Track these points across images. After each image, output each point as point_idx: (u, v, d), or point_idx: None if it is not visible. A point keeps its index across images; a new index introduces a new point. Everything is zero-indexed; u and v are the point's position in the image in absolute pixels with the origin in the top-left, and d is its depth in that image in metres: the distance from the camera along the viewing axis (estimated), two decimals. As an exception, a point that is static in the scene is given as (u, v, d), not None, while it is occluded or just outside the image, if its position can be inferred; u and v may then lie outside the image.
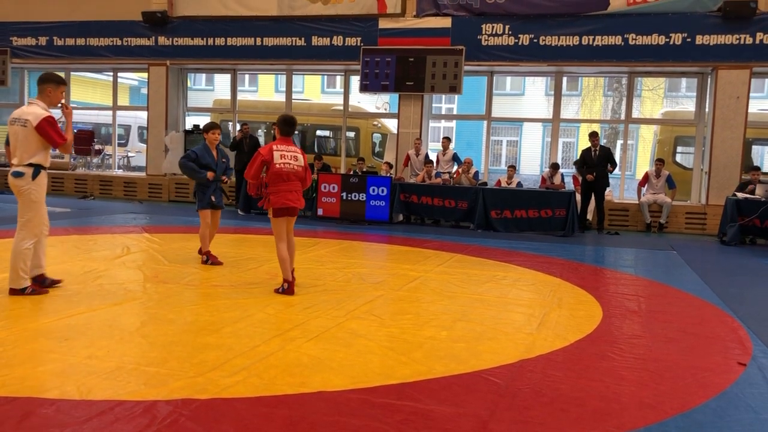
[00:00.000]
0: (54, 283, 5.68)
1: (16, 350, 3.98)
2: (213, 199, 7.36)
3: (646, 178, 13.06)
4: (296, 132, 17.05)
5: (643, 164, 22.88)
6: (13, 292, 5.34)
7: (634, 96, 15.74)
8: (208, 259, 7.26)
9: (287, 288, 5.92)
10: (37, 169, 5.33)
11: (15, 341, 4.15)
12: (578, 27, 12.85)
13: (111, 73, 17.31)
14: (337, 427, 3.05)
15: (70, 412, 3.09)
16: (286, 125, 6.08)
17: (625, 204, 13.40)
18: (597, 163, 12.21)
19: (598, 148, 12.36)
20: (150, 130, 15.78)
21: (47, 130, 5.28)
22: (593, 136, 12.48)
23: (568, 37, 12.90)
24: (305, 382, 3.65)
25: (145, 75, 16.43)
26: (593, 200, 12.57)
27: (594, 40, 12.79)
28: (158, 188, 15.63)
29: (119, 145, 19.12)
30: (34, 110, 5.33)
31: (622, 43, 12.66)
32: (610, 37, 12.72)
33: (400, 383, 3.69)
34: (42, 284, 5.55)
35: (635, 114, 18.52)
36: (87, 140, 18.20)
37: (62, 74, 17.02)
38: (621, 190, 14.38)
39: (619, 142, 20.34)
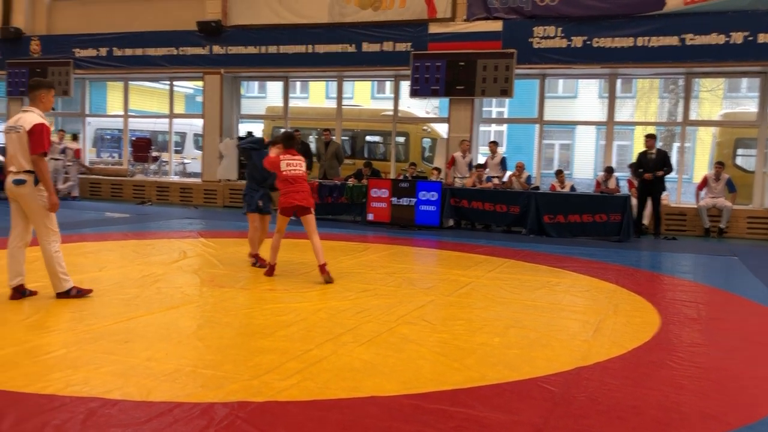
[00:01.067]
0: (32, 293, 5.54)
1: (79, 352, 4.12)
2: (260, 203, 7.62)
3: (704, 182, 12.69)
4: (346, 138, 17.30)
5: (701, 167, 22.20)
6: (60, 295, 5.46)
7: (692, 97, 15.31)
8: (257, 261, 7.45)
9: (267, 270, 7.01)
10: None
11: (78, 343, 4.29)
12: (633, 28, 12.58)
13: (167, 82, 17.76)
14: (390, 433, 3.06)
15: (131, 412, 3.18)
16: (287, 140, 7.14)
17: (682, 208, 13.04)
18: (653, 167, 11.93)
19: (654, 151, 12.07)
20: (205, 137, 16.14)
21: (35, 135, 5.20)
22: (650, 137, 12.19)
23: (622, 38, 12.64)
24: (357, 386, 3.66)
25: (200, 83, 16.82)
26: (649, 204, 12.27)
27: (649, 41, 12.50)
28: (213, 194, 15.95)
29: (175, 152, 19.59)
30: (29, 117, 5.29)
31: (679, 44, 12.34)
32: (666, 37, 12.41)
33: (452, 389, 3.67)
34: (21, 294, 5.43)
35: (693, 116, 18.03)
36: (144, 147, 18.71)
37: (121, 84, 17.58)
38: (678, 194, 13.99)
39: (676, 145, 19.82)
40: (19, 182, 5.25)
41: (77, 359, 3.96)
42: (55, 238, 5.39)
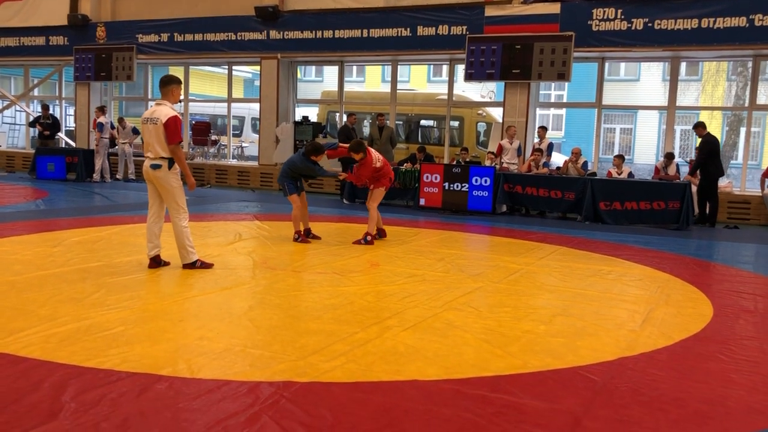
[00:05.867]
0: (166, 263, 6.28)
1: (136, 329, 4.31)
2: (297, 185, 8.31)
3: (771, 169, 12.23)
4: (400, 122, 17.30)
5: (770, 153, 21.38)
6: (186, 266, 6.15)
7: (762, 80, 14.73)
8: (299, 237, 8.11)
9: (370, 240, 8.07)
10: (171, 160, 6.00)
11: (136, 321, 4.49)
12: (697, 9, 12.16)
13: (226, 67, 18.11)
14: (428, 416, 3.12)
15: (182, 389, 3.33)
16: (360, 146, 8.03)
17: (746, 196, 12.62)
18: (701, 156, 11.69)
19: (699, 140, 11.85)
20: (262, 121, 16.42)
21: (170, 128, 5.89)
22: (695, 126, 12.00)
23: (686, 20, 12.24)
24: (400, 370, 3.73)
25: (257, 68, 17.08)
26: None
27: (715, 22, 12.06)
28: (270, 177, 16.23)
29: (234, 135, 19.99)
30: (164, 110, 5.97)
31: (747, 25, 11.86)
32: (733, 18, 11.95)
33: (494, 376, 3.70)
34: (158, 264, 6.18)
35: (762, 100, 17.31)
36: (204, 131, 19.16)
37: (182, 69, 17.98)
38: (743, 181, 13.53)
39: (743, 130, 19.08)
40: (155, 167, 5.96)
41: (134, 336, 4.15)
42: (184, 215, 6.11)
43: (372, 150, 8.20)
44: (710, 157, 11.61)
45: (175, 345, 4.01)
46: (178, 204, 6.09)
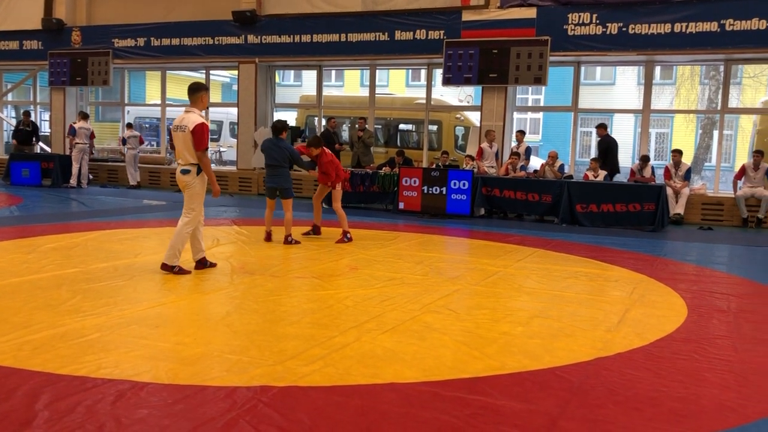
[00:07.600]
0: (212, 265, 6.54)
1: (112, 335, 4.27)
2: None
3: (742, 171, 12.42)
4: (379, 126, 17.35)
5: (743, 156, 21.70)
6: (165, 267, 6.20)
7: (734, 84, 14.97)
8: (290, 239, 8.30)
9: (350, 237, 8.54)
10: (200, 167, 6.22)
11: (112, 327, 4.44)
12: (670, 14, 12.33)
13: (204, 71, 18.01)
14: (406, 419, 3.13)
15: (159, 395, 3.31)
16: (318, 142, 8.59)
17: (720, 198, 12.80)
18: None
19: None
20: (240, 125, 16.35)
21: (197, 135, 6.11)
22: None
23: (659, 24, 12.41)
24: (378, 373, 3.74)
25: (235, 72, 17.01)
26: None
27: (687, 27, 12.24)
28: (248, 182, 16.17)
29: (212, 140, 19.85)
30: (192, 117, 6.18)
31: (719, 30, 12.06)
32: (705, 23, 12.14)
33: (471, 378, 3.72)
34: (204, 266, 6.45)
35: (734, 103, 17.59)
36: (182, 136, 18.97)
37: (159, 73, 17.83)
38: (716, 183, 13.75)
39: (716, 133, 19.37)
40: (185, 172, 6.23)
41: (109, 343, 4.11)
42: (192, 223, 6.30)
43: (325, 148, 8.69)
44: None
45: (152, 351, 3.98)
46: (194, 209, 6.28)
